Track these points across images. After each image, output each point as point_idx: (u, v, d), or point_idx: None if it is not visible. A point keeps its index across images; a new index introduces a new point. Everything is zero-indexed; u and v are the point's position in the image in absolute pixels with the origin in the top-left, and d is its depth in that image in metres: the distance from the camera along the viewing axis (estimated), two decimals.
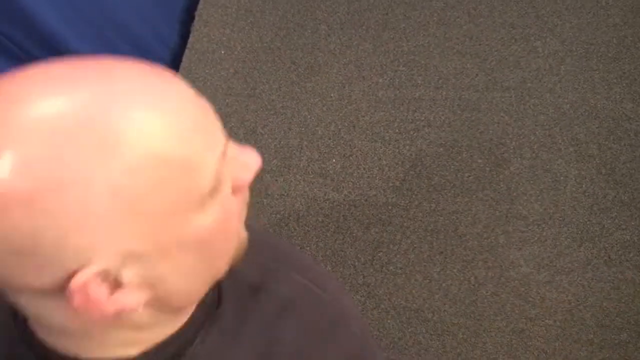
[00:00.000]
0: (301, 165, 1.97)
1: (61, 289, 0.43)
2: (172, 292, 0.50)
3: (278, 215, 1.91)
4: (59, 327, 0.50)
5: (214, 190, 0.48)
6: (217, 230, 0.50)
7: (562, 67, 2.03)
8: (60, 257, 0.41)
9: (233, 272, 0.58)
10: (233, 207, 0.53)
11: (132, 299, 0.46)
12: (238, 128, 2.06)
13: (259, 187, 1.96)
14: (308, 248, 1.86)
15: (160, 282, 0.48)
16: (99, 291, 0.44)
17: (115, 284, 0.45)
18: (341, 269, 1.83)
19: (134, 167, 0.41)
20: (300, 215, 1.91)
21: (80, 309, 0.44)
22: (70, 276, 0.42)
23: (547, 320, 1.72)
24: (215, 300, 0.60)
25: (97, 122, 0.40)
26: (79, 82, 0.42)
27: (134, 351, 0.54)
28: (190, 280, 0.52)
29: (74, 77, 0.42)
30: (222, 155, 0.49)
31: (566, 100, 1.98)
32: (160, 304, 0.50)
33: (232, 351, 0.61)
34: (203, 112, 0.48)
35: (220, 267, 0.55)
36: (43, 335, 0.53)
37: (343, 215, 1.89)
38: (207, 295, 0.57)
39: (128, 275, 0.45)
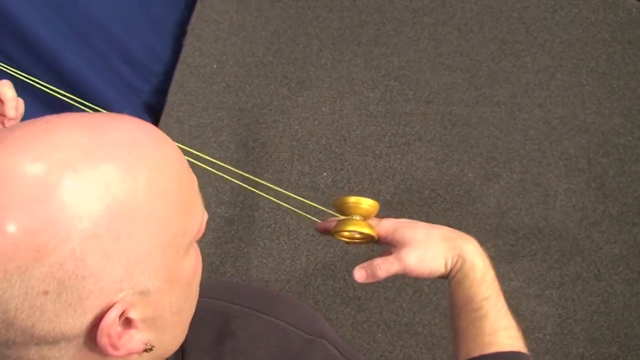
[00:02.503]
0: (292, 179, 1.97)
1: (83, 333, 0.44)
2: (164, 332, 0.52)
3: (269, 229, 1.91)
4: None
5: (197, 234, 0.52)
6: (195, 273, 0.53)
7: (551, 82, 2.05)
8: (91, 296, 0.42)
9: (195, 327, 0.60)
10: (199, 254, 0.56)
11: (139, 339, 0.48)
12: (229, 142, 2.06)
13: (250, 201, 1.96)
14: (298, 262, 1.86)
15: (158, 321, 0.50)
16: (119, 331, 0.46)
17: (126, 324, 0.47)
18: (331, 282, 1.83)
19: (154, 196, 0.45)
20: (291, 229, 1.91)
21: (104, 350, 0.45)
22: (97, 317, 0.44)
23: (537, 334, 1.72)
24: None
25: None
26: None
27: None
28: (178, 320, 0.53)
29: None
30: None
31: (556, 115, 1.99)
32: (150, 353, 0.52)
33: None
34: (188, 167, 0.52)
35: (192, 311, 0.57)
36: None
37: None
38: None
39: (137, 314, 0.47)
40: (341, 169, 1.98)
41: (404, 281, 1.81)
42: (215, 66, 2.23)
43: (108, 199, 0.41)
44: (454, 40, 2.17)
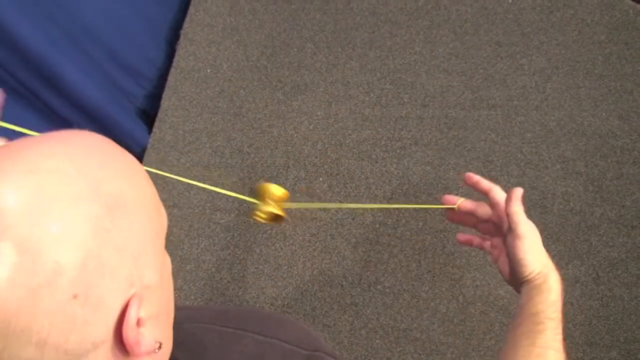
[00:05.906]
0: (288, 184, 1.96)
1: (109, 337, 0.45)
2: (166, 329, 0.52)
3: (265, 235, 1.90)
4: None
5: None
6: (170, 272, 0.54)
7: (548, 84, 2.03)
8: (111, 294, 0.43)
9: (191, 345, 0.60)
10: None
11: (150, 336, 0.48)
12: (224, 147, 2.04)
13: (245, 207, 1.94)
14: (295, 268, 1.84)
15: (160, 318, 0.50)
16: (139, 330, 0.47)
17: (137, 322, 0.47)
18: (328, 288, 1.81)
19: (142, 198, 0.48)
20: (287, 234, 1.90)
21: (133, 348, 0.45)
22: (119, 317, 0.44)
23: None
24: None
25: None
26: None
27: None
28: (170, 318, 0.54)
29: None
30: None
31: (553, 118, 1.98)
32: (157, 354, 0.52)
33: None
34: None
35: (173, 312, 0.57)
36: None
37: (330, 235, 1.88)
38: None
39: (144, 311, 0.47)
40: (337, 174, 1.96)
41: (401, 287, 1.79)
42: (209, 70, 2.21)
43: (103, 195, 0.43)
44: (450, 42, 2.15)
